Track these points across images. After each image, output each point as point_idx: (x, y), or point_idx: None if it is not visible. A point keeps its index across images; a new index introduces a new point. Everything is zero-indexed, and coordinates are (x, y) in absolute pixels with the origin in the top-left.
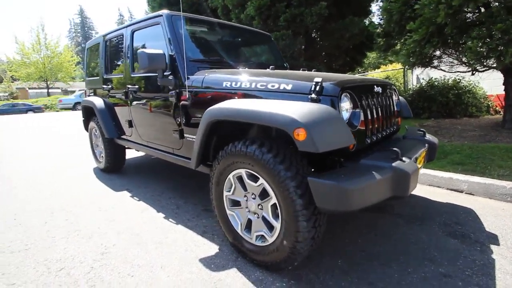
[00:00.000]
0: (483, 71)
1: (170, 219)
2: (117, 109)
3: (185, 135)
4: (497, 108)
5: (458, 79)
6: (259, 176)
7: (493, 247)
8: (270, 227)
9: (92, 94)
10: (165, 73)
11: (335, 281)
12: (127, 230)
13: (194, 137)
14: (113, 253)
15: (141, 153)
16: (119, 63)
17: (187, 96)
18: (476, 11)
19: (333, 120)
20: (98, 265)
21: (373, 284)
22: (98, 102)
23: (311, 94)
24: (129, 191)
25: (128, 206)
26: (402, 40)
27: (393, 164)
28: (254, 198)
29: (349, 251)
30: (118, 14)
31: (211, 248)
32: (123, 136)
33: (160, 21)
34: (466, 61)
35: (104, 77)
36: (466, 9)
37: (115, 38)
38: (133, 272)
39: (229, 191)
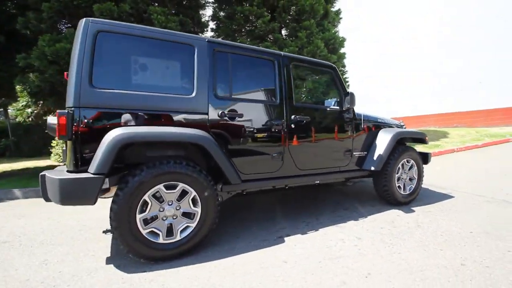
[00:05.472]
0: None
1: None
2: (242, 143)
3: (354, 153)
4: None
5: None
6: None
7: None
8: None
9: (132, 121)
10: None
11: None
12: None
13: (361, 153)
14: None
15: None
16: (253, 85)
17: (362, 126)
18: None
19: None
20: None
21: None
22: (207, 136)
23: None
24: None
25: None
26: None
27: None
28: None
29: None
30: None
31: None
32: (253, 177)
33: (332, 72)
34: None
35: (217, 95)
36: None
37: (244, 56)
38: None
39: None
